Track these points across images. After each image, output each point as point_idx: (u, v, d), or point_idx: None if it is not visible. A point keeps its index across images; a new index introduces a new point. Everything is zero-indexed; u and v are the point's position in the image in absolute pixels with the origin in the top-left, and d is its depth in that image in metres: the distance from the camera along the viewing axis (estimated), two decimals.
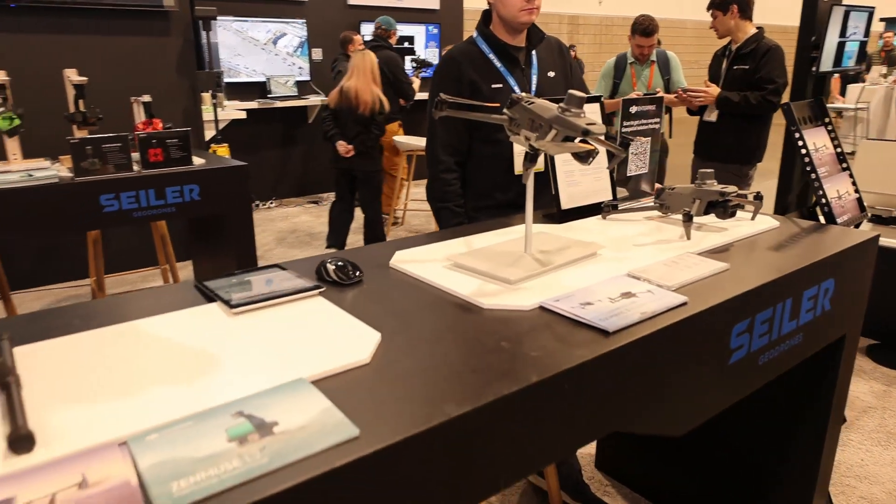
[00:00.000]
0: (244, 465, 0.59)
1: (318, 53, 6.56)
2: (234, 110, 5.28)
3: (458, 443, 0.70)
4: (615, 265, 1.18)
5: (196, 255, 3.43)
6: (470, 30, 6.46)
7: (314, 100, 6.30)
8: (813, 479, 1.55)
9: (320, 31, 6.46)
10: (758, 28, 3.14)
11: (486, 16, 1.83)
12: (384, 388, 0.74)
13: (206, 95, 4.77)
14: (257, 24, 6.10)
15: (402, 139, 4.89)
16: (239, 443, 0.63)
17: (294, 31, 6.36)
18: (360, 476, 0.63)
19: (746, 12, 3.10)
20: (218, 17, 5.06)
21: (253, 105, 5.82)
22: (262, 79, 6.19)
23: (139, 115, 2.73)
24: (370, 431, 0.65)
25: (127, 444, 0.63)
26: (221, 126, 4.83)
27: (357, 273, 1.11)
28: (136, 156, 2.39)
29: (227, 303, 0.96)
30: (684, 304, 0.99)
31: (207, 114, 4.61)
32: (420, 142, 4.76)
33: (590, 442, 0.90)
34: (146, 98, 2.67)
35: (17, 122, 2.37)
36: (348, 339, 0.86)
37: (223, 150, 4.74)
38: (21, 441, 0.61)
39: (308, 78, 6.44)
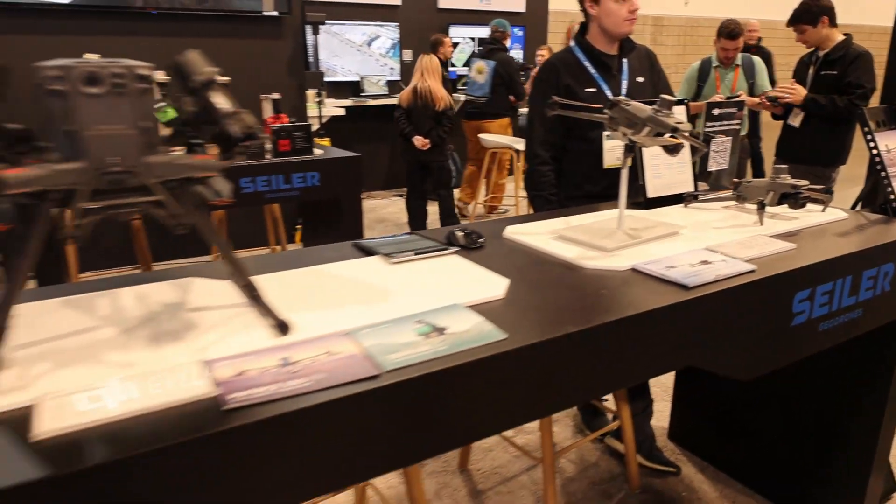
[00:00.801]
0: (432, 349, 0.88)
1: (408, 55, 6.93)
2: (332, 107, 5.71)
3: (573, 352, 0.96)
4: (694, 242, 1.40)
5: (306, 236, 3.83)
6: (554, 31, 6.58)
7: None
8: (871, 452, 1.70)
9: (411, 34, 6.82)
10: (845, 35, 3.20)
11: (583, 28, 2.07)
12: (518, 313, 1.01)
13: (311, 93, 5.21)
14: (354, 27, 6.52)
15: (488, 137, 5.16)
16: (425, 337, 0.91)
17: (387, 33, 6.75)
18: (507, 365, 0.90)
19: (834, 20, 3.17)
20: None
21: (347, 103, 6.25)
22: (356, 78, 6.61)
23: (267, 111, 3.13)
24: (513, 337, 0.92)
25: (350, 334, 0.92)
26: (323, 122, 5.25)
27: (480, 240, 1.38)
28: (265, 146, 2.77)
29: (388, 256, 1.26)
30: (752, 271, 1.21)
31: (311, 110, 5.05)
32: (503, 140, 5.05)
33: (672, 370, 1.14)
34: (276, 96, 3.06)
35: (173, 114, 2.80)
36: (484, 282, 1.13)
37: (325, 143, 5.17)
38: (282, 326, 0.92)
39: (398, 78, 6.82)
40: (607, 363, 1.01)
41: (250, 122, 0.83)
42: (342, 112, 5.75)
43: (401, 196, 6.67)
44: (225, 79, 2.53)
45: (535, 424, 2.51)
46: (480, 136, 5.22)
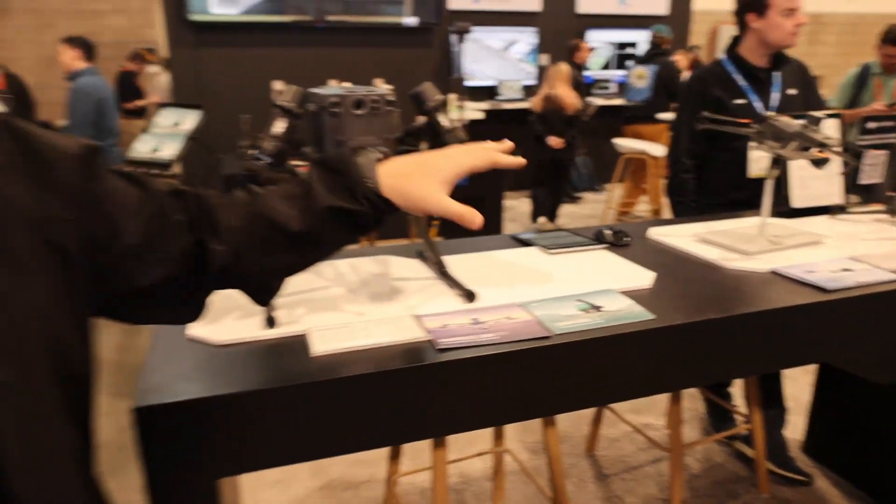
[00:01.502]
0: (591, 321, 1.07)
1: (545, 59, 7.08)
2: (471, 111, 6.01)
3: (714, 337, 1.11)
4: (838, 251, 1.47)
5: (444, 231, 4.13)
6: (697, 31, 6.47)
7: None
8: None
9: (549, 39, 6.97)
10: None
11: (734, 41, 2.14)
12: (664, 301, 1.18)
13: (452, 97, 5.54)
14: (494, 33, 6.79)
15: (622, 142, 5.21)
16: (585, 312, 1.11)
17: (525, 38, 6.95)
18: (653, 340, 1.07)
19: None
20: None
21: (485, 106, 6.53)
22: (494, 83, 6.88)
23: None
24: (660, 318, 1.09)
25: (522, 305, 1.14)
26: (464, 124, 5.57)
27: (626, 238, 1.55)
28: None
29: (545, 247, 1.47)
30: None
31: (452, 114, 5.38)
32: (637, 145, 5.08)
33: (806, 364, 1.24)
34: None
35: None
36: (633, 274, 1.31)
37: None
38: (469, 294, 1.16)
39: (535, 82, 6.99)
40: (744, 350, 1.15)
41: (462, 136, 1.08)
42: (481, 116, 6.04)
43: (530, 198, 6.85)
44: (388, 87, 2.91)
45: (662, 422, 2.60)
46: (614, 140, 5.28)
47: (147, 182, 0.66)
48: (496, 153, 0.84)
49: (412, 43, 4.81)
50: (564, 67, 4.94)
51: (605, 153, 6.31)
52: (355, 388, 0.91)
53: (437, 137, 1.08)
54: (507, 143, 0.87)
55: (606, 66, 7.35)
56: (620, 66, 7.38)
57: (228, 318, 1.06)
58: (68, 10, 7.24)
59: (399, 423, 0.95)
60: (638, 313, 1.10)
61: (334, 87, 1.04)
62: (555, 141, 4.86)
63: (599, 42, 7.22)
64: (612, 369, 1.07)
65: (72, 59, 4.33)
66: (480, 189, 3.13)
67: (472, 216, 0.78)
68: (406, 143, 1.12)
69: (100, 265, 0.60)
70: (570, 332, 1.04)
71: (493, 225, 3.21)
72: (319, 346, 0.96)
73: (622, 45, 7.32)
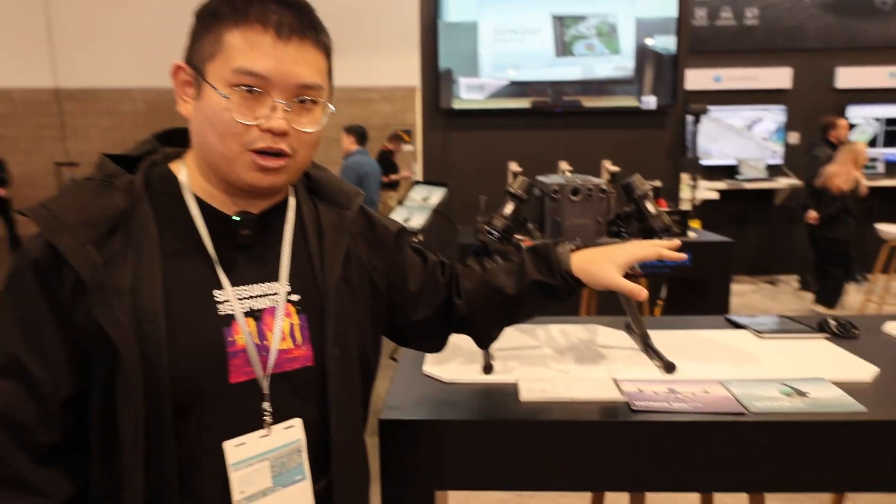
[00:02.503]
0: (792, 405, 1.09)
1: (794, 137, 6.60)
2: (705, 190, 5.84)
3: None
4: None
5: (668, 311, 4.06)
6: None
7: (783, 182, 6.36)
8: None
9: (800, 116, 6.51)
10: None
11: None
12: (882, 396, 1.13)
13: (685, 176, 5.46)
14: (736, 111, 6.56)
15: (887, 227, 4.62)
16: (787, 396, 1.12)
17: (772, 116, 6.59)
18: (862, 434, 1.04)
19: None
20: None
21: (722, 186, 6.27)
22: (733, 162, 6.59)
23: None
24: (871, 412, 1.06)
25: (721, 382, 1.19)
26: (696, 204, 5.43)
27: (854, 330, 1.47)
28: None
29: (758, 332, 1.47)
30: None
31: (683, 193, 5.29)
32: None
33: None
34: (657, 183, 3.45)
35: None
36: (851, 365, 1.26)
37: (695, 225, 5.33)
38: (669, 366, 1.24)
39: (780, 161, 6.55)
40: None
41: (668, 221, 1.21)
42: (716, 196, 5.83)
43: (771, 283, 6.30)
44: (614, 168, 3.11)
45: None
46: (877, 225, 4.70)
47: (427, 253, 1.03)
48: (661, 248, 1.04)
49: (645, 124, 4.91)
50: (857, 146, 4.93)
51: (869, 239, 5.59)
52: (555, 433, 1.07)
53: (644, 222, 1.22)
54: (675, 242, 1.04)
55: (872, 144, 6.58)
56: (889, 143, 6.55)
57: (455, 362, 1.30)
58: (347, 98, 8.84)
59: (591, 471, 1.07)
60: (847, 404, 1.08)
61: (557, 176, 1.25)
62: (811, 215, 5.00)
63: (862, 118, 6.53)
64: (813, 457, 1.06)
65: (348, 143, 5.36)
66: (704, 271, 3.08)
67: (639, 291, 0.99)
68: (616, 224, 1.28)
69: (393, 301, 0.95)
70: (767, 412, 1.07)
71: (718, 306, 3.11)
72: (527, 393, 1.14)
73: (892, 121, 6.51)
